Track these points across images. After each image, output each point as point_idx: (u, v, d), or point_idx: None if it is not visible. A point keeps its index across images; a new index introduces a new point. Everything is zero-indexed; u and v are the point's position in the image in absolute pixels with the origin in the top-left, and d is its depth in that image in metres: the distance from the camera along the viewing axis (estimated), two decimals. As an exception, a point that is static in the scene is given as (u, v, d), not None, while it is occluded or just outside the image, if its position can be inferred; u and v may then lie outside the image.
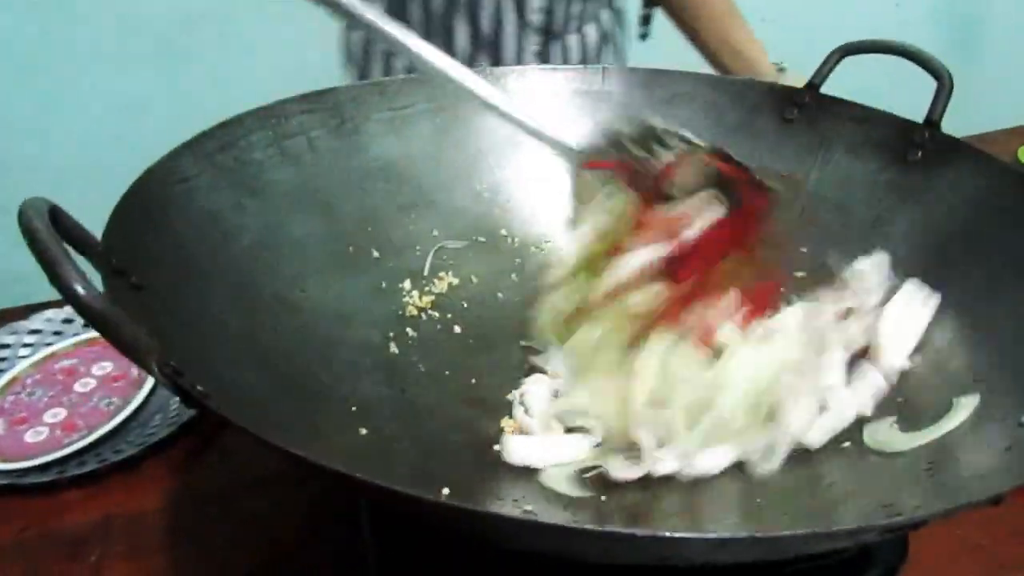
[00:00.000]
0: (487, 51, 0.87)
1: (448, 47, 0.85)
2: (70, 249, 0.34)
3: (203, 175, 0.52)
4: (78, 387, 0.70)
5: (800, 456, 0.48)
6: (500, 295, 0.65)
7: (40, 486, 0.60)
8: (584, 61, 0.92)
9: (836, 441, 0.48)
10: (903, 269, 0.56)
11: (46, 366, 0.72)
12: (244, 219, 0.54)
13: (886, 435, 0.48)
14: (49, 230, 0.30)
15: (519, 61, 0.88)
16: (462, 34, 0.85)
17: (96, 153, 1.36)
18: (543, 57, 0.89)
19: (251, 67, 1.37)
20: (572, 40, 0.91)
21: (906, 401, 0.50)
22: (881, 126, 0.62)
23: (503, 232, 0.68)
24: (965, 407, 0.46)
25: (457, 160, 0.68)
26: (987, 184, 0.55)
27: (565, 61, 0.90)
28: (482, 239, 0.68)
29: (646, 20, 1.05)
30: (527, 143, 0.68)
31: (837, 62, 0.64)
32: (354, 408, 0.50)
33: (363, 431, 0.49)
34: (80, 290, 0.30)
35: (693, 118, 0.68)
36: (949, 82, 0.58)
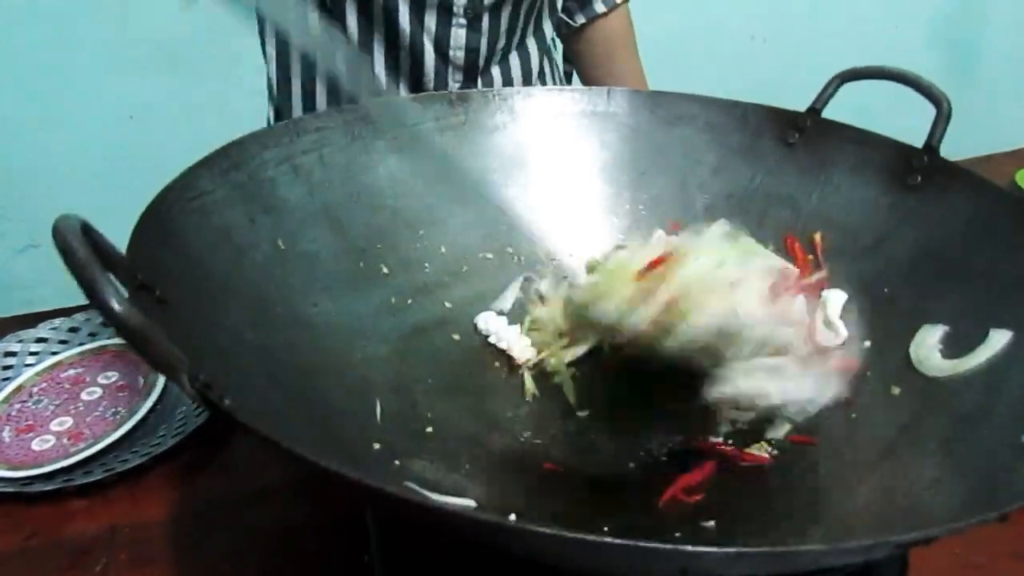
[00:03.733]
0: (407, 85, 0.85)
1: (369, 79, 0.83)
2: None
3: (218, 191, 0.53)
4: (84, 396, 0.71)
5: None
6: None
7: (46, 494, 0.61)
8: None
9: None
10: (903, 291, 0.57)
11: (52, 375, 0.73)
12: (257, 235, 0.55)
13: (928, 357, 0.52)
14: (85, 248, 0.31)
15: None
16: (379, 70, 0.84)
17: (99, 162, 1.37)
18: None
19: (255, 79, 1.38)
20: (495, 72, 0.90)
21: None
22: (881, 150, 0.63)
23: (509, 250, 0.69)
24: (999, 339, 0.49)
25: (464, 178, 0.68)
26: (984, 209, 0.56)
27: None
28: (489, 256, 0.69)
29: (568, 77, 1.06)
30: (533, 161, 0.71)
31: (838, 87, 0.66)
32: (366, 423, 0.51)
33: (376, 446, 0.50)
34: (116, 307, 0.31)
35: (696, 140, 0.70)
36: (947, 108, 0.59)
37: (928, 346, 0.53)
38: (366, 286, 0.61)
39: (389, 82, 0.85)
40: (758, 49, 1.56)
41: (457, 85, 0.87)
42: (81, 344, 0.76)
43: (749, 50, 1.54)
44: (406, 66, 0.85)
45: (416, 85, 0.87)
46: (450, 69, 0.86)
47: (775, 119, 0.68)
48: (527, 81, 0.93)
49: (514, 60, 0.91)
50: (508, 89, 0.71)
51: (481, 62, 0.87)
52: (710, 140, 0.69)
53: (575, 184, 0.71)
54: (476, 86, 0.88)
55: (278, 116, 0.94)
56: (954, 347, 0.52)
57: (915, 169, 0.60)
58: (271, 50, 0.90)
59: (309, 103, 0.90)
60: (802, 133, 0.66)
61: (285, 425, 0.41)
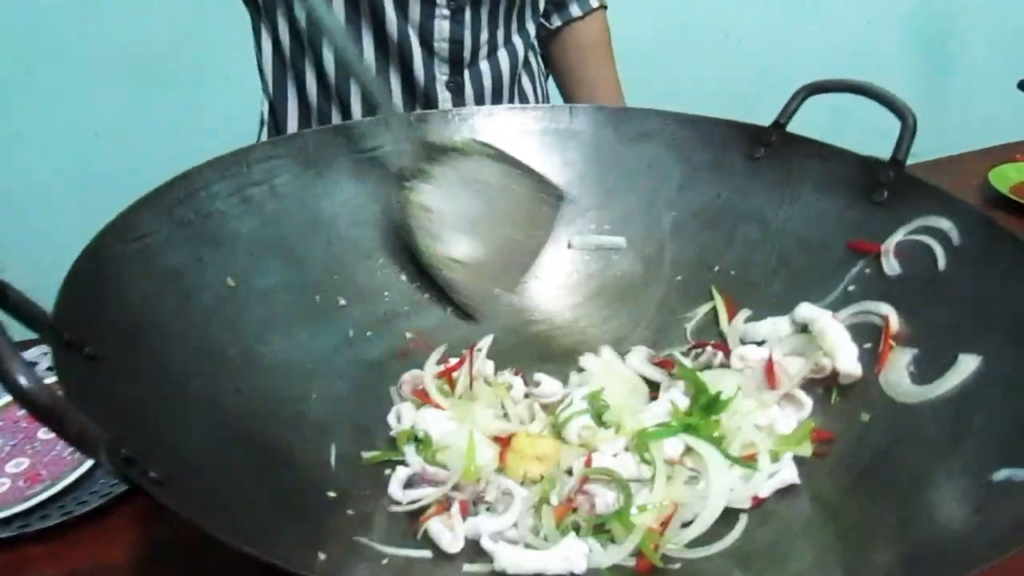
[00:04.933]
0: (398, 76, 0.86)
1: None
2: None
3: (162, 231, 0.52)
4: (41, 435, 0.69)
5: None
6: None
7: (2, 541, 0.59)
8: (498, 87, 0.92)
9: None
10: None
11: (8, 413, 0.70)
12: (205, 274, 0.53)
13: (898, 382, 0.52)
14: (-8, 320, 0.30)
15: (430, 92, 0.87)
16: (370, 60, 0.84)
17: (63, 183, 1.34)
18: (453, 86, 0.89)
19: (227, 94, 1.36)
20: (484, 66, 0.90)
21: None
22: (846, 165, 0.62)
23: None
24: (968, 364, 0.48)
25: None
26: (951, 225, 0.55)
27: (477, 90, 0.90)
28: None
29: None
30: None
31: (802, 101, 0.64)
32: (321, 471, 0.49)
33: (331, 494, 0.48)
34: (24, 383, 0.29)
35: (661, 156, 0.68)
36: (913, 122, 0.58)
37: (898, 370, 0.52)
38: (323, 320, 0.60)
39: (380, 72, 0.85)
40: (733, 48, 1.55)
41: (444, 77, 0.87)
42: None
43: (724, 49, 1.53)
44: (395, 60, 0.85)
45: (406, 77, 0.87)
46: (436, 61, 0.86)
47: (740, 134, 0.66)
48: (513, 76, 0.93)
49: (502, 55, 0.91)
50: (468, 109, 0.70)
51: (467, 55, 0.87)
52: (675, 156, 0.68)
53: (539, 205, 0.69)
54: (464, 80, 0.89)
55: (272, 111, 0.93)
56: (924, 371, 0.51)
57: (881, 184, 0.59)
58: (267, 44, 0.89)
59: (304, 99, 0.89)
60: (768, 148, 0.65)
61: (226, 488, 0.39)
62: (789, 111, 0.64)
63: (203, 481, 0.37)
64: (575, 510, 0.48)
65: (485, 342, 0.62)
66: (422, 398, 0.57)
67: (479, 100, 0.90)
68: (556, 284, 0.68)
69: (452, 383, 0.59)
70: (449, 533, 0.46)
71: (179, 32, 1.35)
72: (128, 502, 0.62)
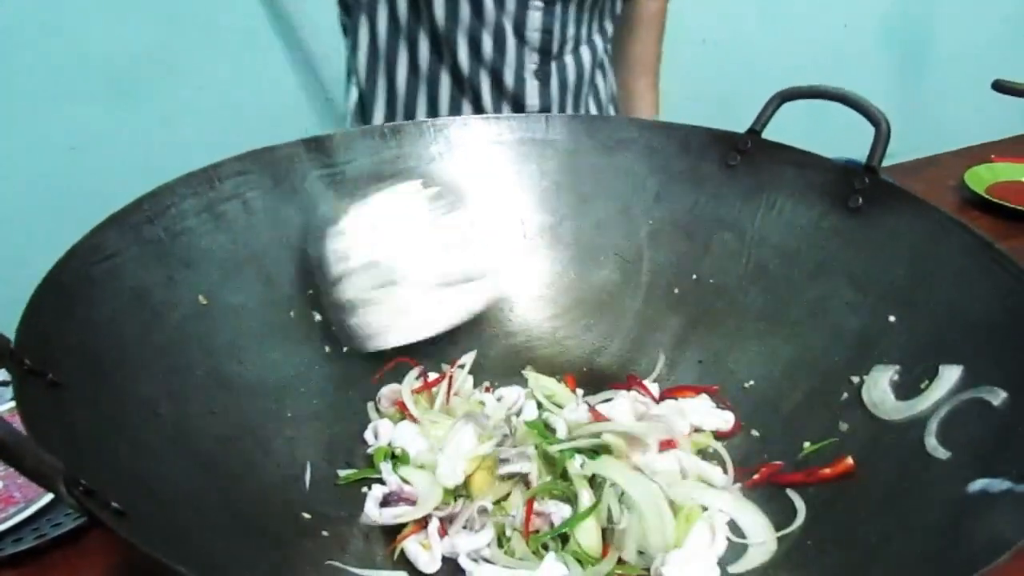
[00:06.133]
0: (487, 70, 0.90)
1: (452, 64, 0.89)
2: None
3: (129, 250, 0.50)
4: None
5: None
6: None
7: (-28, 567, 0.58)
8: (579, 82, 0.95)
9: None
10: (848, 322, 0.56)
11: (-21, 437, 0.69)
12: (175, 293, 0.52)
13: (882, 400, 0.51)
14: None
15: (519, 80, 0.91)
16: (463, 52, 0.88)
17: (37, 198, 1.32)
18: (541, 75, 0.92)
19: (200, 105, 1.35)
20: (568, 60, 0.94)
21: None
22: (822, 171, 0.62)
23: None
24: (950, 376, 0.48)
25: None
26: (926, 233, 0.54)
27: (562, 81, 0.94)
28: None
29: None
30: (471, 191, 0.68)
31: (777, 107, 0.64)
32: (294, 492, 0.48)
33: (306, 516, 0.47)
34: (-23, 418, 0.28)
35: (637, 165, 0.68)
36: (886, 128, 0.58)
37: (881, 388, 0.52)
38: (297, 336, 0.59)
39: (472, 66, 0.89)
40: (709, 52, 1.55)
41: (534, 66, 0.91)
42: (12, 400, 0.73)
43: (700, 54, 1.53)
44: (488, 48, 0.89)
45: (495, 68, 0.90)
46: (527, 50, 0.90)
47: (716, 142, 0.66)
48: (593, 73, 0.98)
49: (584, 52, 0.95)
50: (443, 120, 0.69)
51: (555, 46, 0.92)
52: (651, 165, 0.67)
53: (515, 213, 0.69)
54: (551, 70, 0.92)
55: (360, 101, 0.96)
56: (907, 386, 0.51)
57: (856, 191, 0.59)
58: (364, 36, 0.93)
59: (392, 89, 0.93)
60: (743, 155, 0.65)
61: (193, 516, 0.39)
62: (764, 118, 0.64)
63: (169, 509, 0.37)
64: (537, 532, 0.47)
65: (468, 358, 0.61)
66: (401, 409, 0.56)
67: (563, 91, 0.94)
68: (534, 295, 0.68)
69: (431, 398, 0.59)
70: (426, 554, 0.46)
71: (155, 38, 1.34)
72: (101, 524, 0.61)
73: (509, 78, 0.90)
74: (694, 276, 0.65)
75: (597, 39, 0.97)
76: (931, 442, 0.46)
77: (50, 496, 0.62)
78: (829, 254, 0.60)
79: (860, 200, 0.59)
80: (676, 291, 0.65)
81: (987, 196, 1.01)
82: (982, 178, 1.06)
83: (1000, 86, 1.00)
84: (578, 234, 0.68)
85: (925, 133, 1.19)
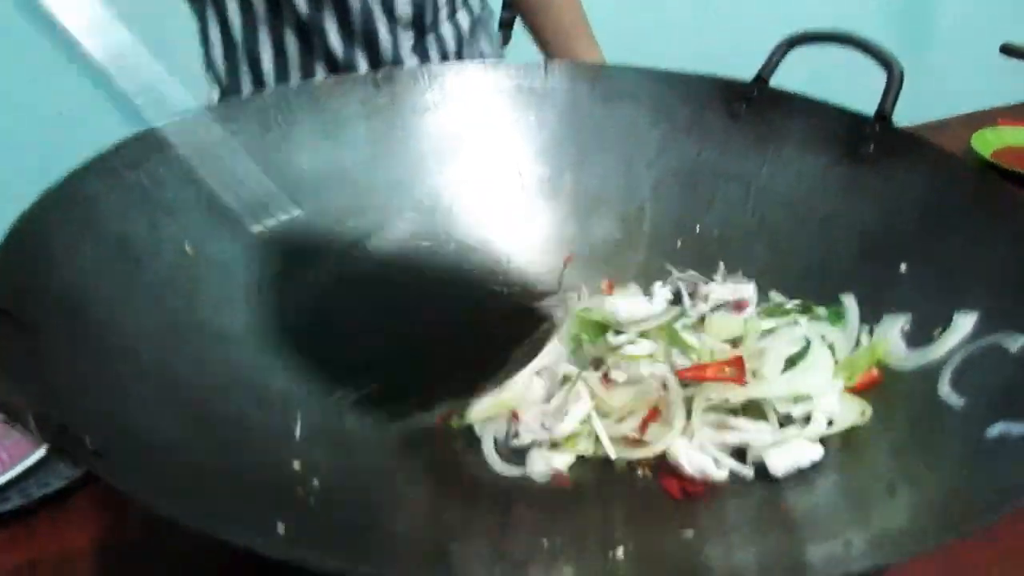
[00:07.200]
0: (363, 49, 0.86)
1: (325, 52, 0.84)
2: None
3: (111, 195, 0.48)
4: (2, 417, 0.66)
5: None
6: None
7: (-38, 528, 0.56)
8: (460, 48, 0.92)
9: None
10: (855, 268, 0.54)
11: (-37, 397, 0.67)
12: (160, 242, 0.50)
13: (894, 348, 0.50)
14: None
15: (396, 58, 0.87)
16: (333, 34, 0.84)
17: (25, 165, 1.29)
18: (419, 51, 0.88)
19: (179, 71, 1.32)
20: (446, 29, 0.90)
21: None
22: (831, 120, 0.60)
23: (444, 237, 0.65)
24: (964, 323, 0.47)
25: (395, 165, 0.64)
26: (940, 180, 0.53)
27: (442, 51, 0.90)
28: (426, 243, 0.64)
29: (507, 24, 1.06)
30: (468, 145, 0.66)
31: (784, 53, 0.62)
32: (285, 441, 0.47)
33: (296, 465, 0.46)
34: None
35: (639, 115, 0.66)
36: (899, 73, 0.56)
37: (892, 337, 0.50)
38: (288, 289, 0.57)
39: (345, 46, 0.85)
40: (706, 15, 1.53)
41: (410, 43, 0.87)
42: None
43: (697, 16, 1.51)
44: (360, 30, 0.85)
45: (371, 48, 0.86)
46: (398, 28, 0.86)
47: (721, 90, 0.64)
48: (473, 35, 0.93)
49: (462, 16, 0.91)
50: (438, 66, 0.67)
51: (428, 18, 0.87)
52: (654, 115, 0.65)
53: (512, 166, 0.67)
54: (430, 43, 0.88)
55: (223, 97, 0.91)
56: (920, 335, 0.49)
57: (867, 139, 0.57)
58: (214, 30, 0.87)
59: (259, 78, 0.88)
60: (749, 104, 0.63)
61: (174, 461, 0.37)
62: (771, 64, 0.62)
63: (149, 454, 0.35)
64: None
65: None
66: None
67: (445, 61, 0.89)
68: (533, 249, 0.66)
69: None
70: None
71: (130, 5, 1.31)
72: (90, 484, 0.59)
73: (386, 58, 0.87)
74: (697, 229, 0.63)
75: (473, 1, 0.93)
76: (944, 389, 0.44)
77: (37, 456, 0.60)
78: (838, 204, 0.58)
79: (871, 147, 0.57)
80: (679, 244, 0.64)
81: (993, 160, 0.99)
82: (988, 142, 1.04)
83: (1008, 49, 0.98)
84: (578, 186, 0.66)
85: (931, 97, 1.17)
